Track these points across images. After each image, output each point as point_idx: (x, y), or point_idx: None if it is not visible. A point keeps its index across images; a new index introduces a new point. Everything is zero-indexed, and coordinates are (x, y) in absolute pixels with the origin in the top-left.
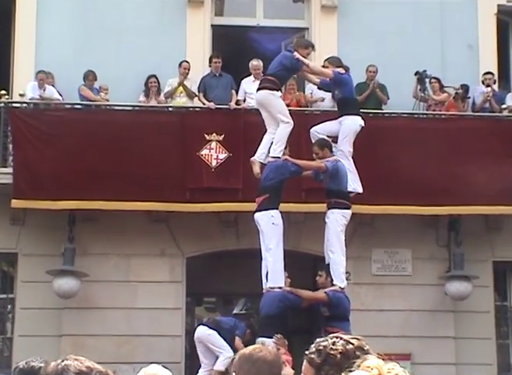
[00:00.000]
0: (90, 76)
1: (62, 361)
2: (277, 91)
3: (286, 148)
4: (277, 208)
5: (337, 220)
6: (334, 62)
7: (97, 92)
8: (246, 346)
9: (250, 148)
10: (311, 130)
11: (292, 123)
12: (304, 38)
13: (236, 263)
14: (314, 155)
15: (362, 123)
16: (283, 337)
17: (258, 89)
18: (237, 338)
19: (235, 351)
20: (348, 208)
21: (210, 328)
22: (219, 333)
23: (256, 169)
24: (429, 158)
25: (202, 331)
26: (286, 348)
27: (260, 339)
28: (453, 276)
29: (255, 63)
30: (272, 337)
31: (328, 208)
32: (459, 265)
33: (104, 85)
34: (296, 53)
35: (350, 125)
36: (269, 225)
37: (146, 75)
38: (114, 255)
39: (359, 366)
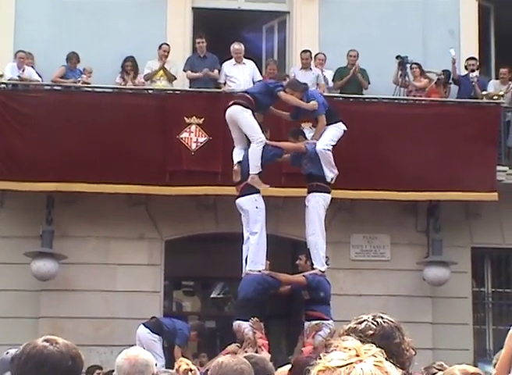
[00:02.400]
0: (73, 59)
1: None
2: (250, 110)
3: (266, 132)
4: (259, 192)
5: (318, 203)
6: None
7: (79, 74)
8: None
9: (228, 132)
10: (319, 149)
11: (265, 139)
12: (296, 80)
13: (214, 247)
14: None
15: (345, 127)
16: (260, 320)
17: (231, 104)
18: (176, 348)
19: (173, 359)
20: (328, 192)
21: (153, 332)
22: (162, 337)
23: (237, 177)
24: (409, 144)
25: (144, 334)
26: (263, 331)
27: (236, 322)
28: (431, 262)
29: (237, 47)
30: (248, 320)
31: (309, 192)
32: (437, 250)
33: (88, 67)
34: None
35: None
36: (253, 209)
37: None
38: (93, 238)
39: (337, 347)
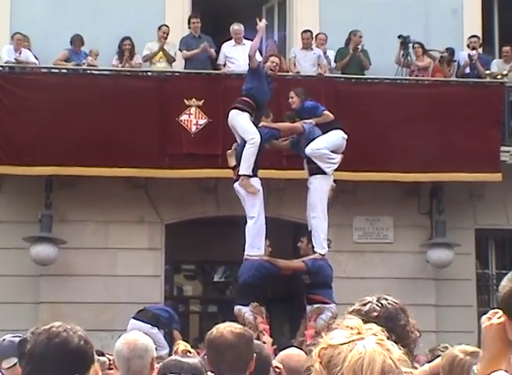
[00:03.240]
0: (77, 41)
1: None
2: (248, 113)
3: (269, 116)
4: (255, 176)
5: (321, 186)
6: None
7: (84, 56)
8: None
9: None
10: (308, 152)
11: (258, 138)
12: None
13: (215, 230)
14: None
15: (345, 135)
16: (261, 305)
17: (230, 109)
18: (175, 332)
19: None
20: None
21: (152, 325)
22: (158, 328)
23: (232, 161)
24: (412, 125)
25: (146, 330)
26: (264, 316)
27: (237, 306)
28: (434, 244)
29: (236, 27)
30: (248, 305)
31: (311, 175)
32: (441, 232)
33: (94, 50)
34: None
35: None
36: (249, 193)
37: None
38: (92, 222)
39: (339, 325)
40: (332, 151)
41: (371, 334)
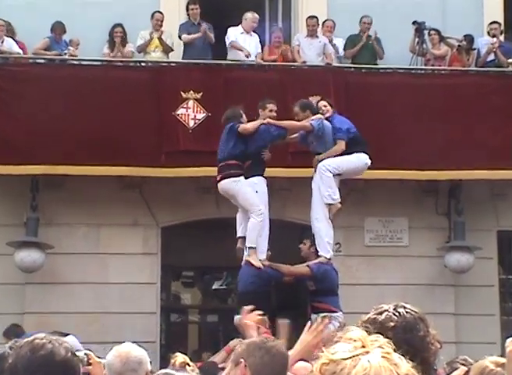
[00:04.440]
0: (58, 29)
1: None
2: (242, 175)
3: (264, 108)
4: (261, 175)
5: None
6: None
7: (65, 46)
8: None
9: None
10: (318, 166)
11: (264, 208)
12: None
13: (216, 234)
14: (294, 116)
15: (368, 161)
16: (264, 314)
17: (219, 180)
18: None
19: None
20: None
21: None
22: None
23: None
24: (428, 118)
25: None
26: (267, 325)
27: (237, 316)
28: (453, 247)
29: (251, 16)
30: None
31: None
32: (460, 235)
33: (75, 39)
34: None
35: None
36: (253, 193)
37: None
38: (82, 225)
39: (341, 338)
40: (347, 173)
41: (376, 347)
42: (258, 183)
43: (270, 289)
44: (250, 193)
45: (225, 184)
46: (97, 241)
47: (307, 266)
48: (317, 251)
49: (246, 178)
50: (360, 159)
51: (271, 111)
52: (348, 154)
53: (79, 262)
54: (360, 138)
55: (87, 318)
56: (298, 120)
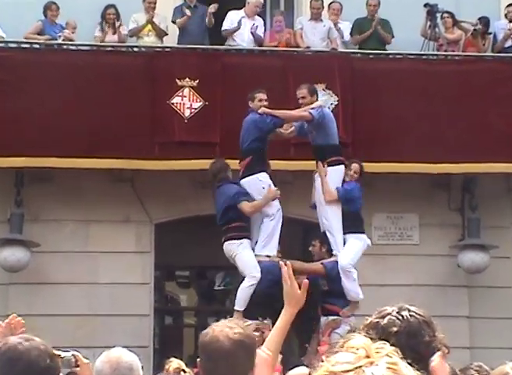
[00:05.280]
0: (52, 7)
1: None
2: (245, 238)
3: (253, 99)
4: (264, 171)
5: (330, 179)
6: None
7: (60, 29)
8: None
9: (229, 96)
10: (342, 266)
11: (258, 277)
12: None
13: (213, 231)
14: (300, 99)
15: (369, 242)
16: (269, 317)
17: (224, 240)
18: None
19: None
20: (341, 163)
21: None
22: None
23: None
24: (440, 107)
25: None
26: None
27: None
28: (467, 246)
29: (254, 0)
30: (254, 318)
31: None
32: (474, 232)
33: (72, 21)
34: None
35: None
36: (259, 191)
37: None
38: (70, 222)
39: (342, 346)
40: None
41: (382, 356)
42: (264, 180)
43: (277, 289)
44: (249, 257)
45: (226, 249)
46: (87, 239)
47: (322, 263)
48: (330, 250)
49: (249, 175)
50: (365, 241)
51: (260, 101)
52: (349, 233)
53: (67, 261)
54: (361, 216)
55: (76, 321)
56: (302, 104)
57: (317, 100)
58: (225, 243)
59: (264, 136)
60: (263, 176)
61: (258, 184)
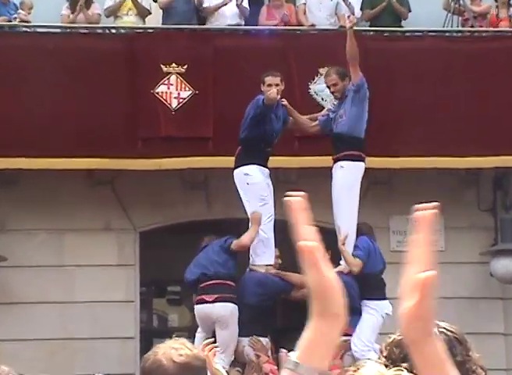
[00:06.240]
0: None
1: None
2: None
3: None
4: (254, 163)
5: (349, 175)
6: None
7: (14, 10)
8: None
9: (222, 83)
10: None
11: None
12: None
13: None
14: (331, 87)
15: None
16: (265, 335)
17: (215, 300)
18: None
19: None
20: (361, 160)
21: None
22: None
23: None
24: (467, 92)
25: None
26: (268, 353)
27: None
28: (500, 251)
29: None
30: (248, 336)
31: (335, 162)
32: (508, 235)
33: (27, 1)
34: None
35: None
36: (244, 186)
37: None
38: (42, 231)
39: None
40: None
41: None
42: (251, 174)
43: (275, 304)
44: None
45: (222, 307)
46: (61, 251)
47: None
48: (339, 258)
49: (237, 167)
50: (383, 313)
51: (269, 85)
52: (371, 299)
53: (38, 277)
54: (382, 282)
55: (50, 346)
56: (335, 92)
57: (349, 83)
58: (217, 304)
59: (253, 123)
60: (251, 170)
61: (243, 179)
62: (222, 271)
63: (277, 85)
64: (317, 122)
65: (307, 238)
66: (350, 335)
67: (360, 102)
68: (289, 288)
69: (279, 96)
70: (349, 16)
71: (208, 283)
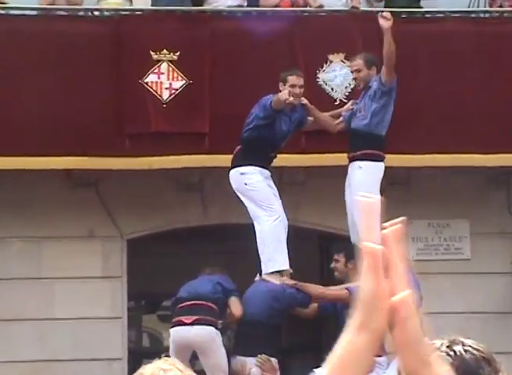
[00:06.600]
0: None
1: None
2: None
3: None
4: (252, 164)
5: (370, 176)
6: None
7: None
8: None
9: (219, 72)
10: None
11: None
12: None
13: (201, 247)
14: (354, 72)
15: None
16: (273, 355)
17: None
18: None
19: None
20: (381, 159)
21: None
22: None
23: None
24: (496, 81)
25: None
26: (277, 374)
27: (237, 358)
28: None
29: None
30: (255, 356)
31: (351, 160)
32: None
33: None
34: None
35: None
36: (242, 187)
37: None
38: (17, 239)
39: None
40: None
41: None
42: (248, 173)
43: (283, 321)
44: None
45: (201, 330)
46: (39, 261)
47: (346, 288)
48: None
49: (233, 168)
50: None
51: (293, 86)
52: None
53: (13, 291)
54: None
55: (27, 368)
56: (357, 79)
57: (376, 73)
58: (197, 327)
59: (259, 124)
60: (248, 169)
61: (239, 179)
62: (205, 291)
63: (301, 87)
64: (341, 118)
65: (375, 241)
66: (380, 356)
67: (388, 103)
68: (307, 302)
69: (297, 100)
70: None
71: (187, 303)
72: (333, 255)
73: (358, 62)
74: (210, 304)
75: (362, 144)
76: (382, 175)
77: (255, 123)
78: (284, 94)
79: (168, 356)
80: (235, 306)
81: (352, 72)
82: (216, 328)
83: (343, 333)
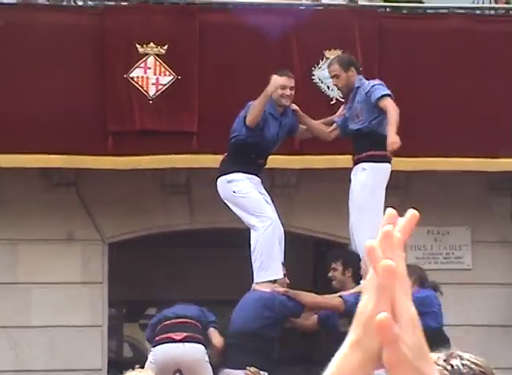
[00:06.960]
0: None
1: None
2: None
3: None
4: (240, 171)
5: (373, 179)
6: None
7: None
8: None
9: (208, 67)
10: None
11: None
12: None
13: (188, 252)
14: (333, 79)
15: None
16: (264, 368)
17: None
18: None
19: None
20: (386, 160)
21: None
22: None
23: None
24: (501, 81)
25: None
26: None
27: (225, 371)
28: None
29: None
30: (242, 368)
31: (356, 163)
32: None
33: None
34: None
35: None
36: (230, 196)
37: None
38: None
39: None
40: None
41: None
42: (236, 179)
43: (277, 332)
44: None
45: (192, 349)
46: (14, 266)
47: (340, 296)
48: (359, 277)
49: (220, 176)
50: None
51: (284, 88)
52: None
53: None
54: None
55: None
56: (338, 85)
57: (358, 73)
58: (189, 345)
59: (247, 128)
60: (235, 176)
61: (227, 187)
62: (191, 313)
63: (292, 89)
64: (334, 125)
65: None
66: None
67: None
68: (299, 311)
69: (288, 102)
70: None
71: (173, 321)
72: (329, 262)
73: (334, 66)
74: (197, 323)
75: (366, 144)
76: (387, 177)
77: (241, 127)
78: (275, 80)
79: (142, 367)
80: (216, 337)
81: (331, 78)
82: (205, 347)
83: (340, 346)
